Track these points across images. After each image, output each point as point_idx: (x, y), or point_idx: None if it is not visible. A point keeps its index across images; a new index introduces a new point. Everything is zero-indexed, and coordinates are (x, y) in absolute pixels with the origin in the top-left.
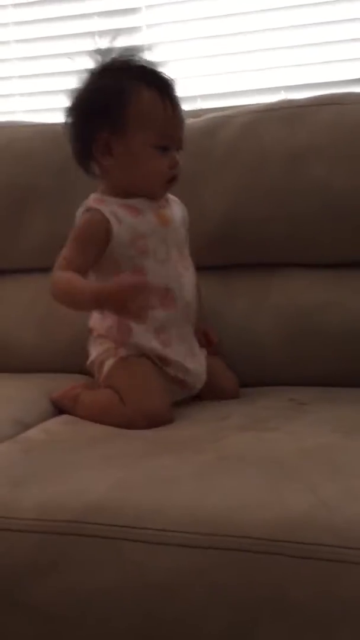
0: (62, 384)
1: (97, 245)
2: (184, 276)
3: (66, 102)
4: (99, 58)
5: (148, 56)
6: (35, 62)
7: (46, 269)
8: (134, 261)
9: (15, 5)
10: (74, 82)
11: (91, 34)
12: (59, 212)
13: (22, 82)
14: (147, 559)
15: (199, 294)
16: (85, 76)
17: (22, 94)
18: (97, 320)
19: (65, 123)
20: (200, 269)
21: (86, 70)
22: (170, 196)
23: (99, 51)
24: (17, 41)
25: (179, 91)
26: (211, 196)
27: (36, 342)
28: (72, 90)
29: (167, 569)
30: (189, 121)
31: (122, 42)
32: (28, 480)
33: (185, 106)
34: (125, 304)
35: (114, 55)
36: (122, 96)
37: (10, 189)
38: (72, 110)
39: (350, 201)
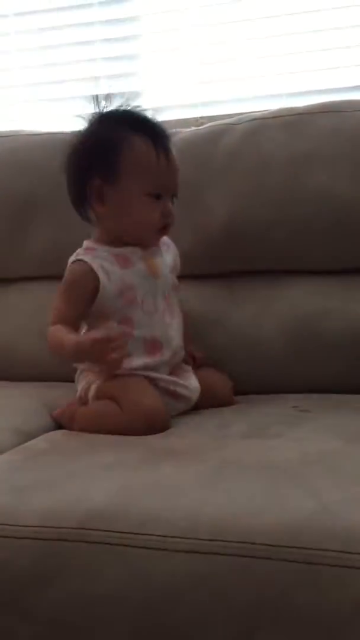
0: (65, 394)
1: (85, 297)
2: (171, 326)
3: (69, 110)
4: (98, 105)
5: (145, 105)
6: (36, 71)
7: (49, 278)
8: (122, 312)
9: (17, 14)
10: (77, 89)
11: (92, 42)
12: (62, 221)
13: (24, 91)
14: (149, 565)
15: (184, 321)
16: (83, 125)
17: (24, 102)
18: None
19: (64, 164)
20: (204, 276)
21: (84, 118)
22: (165, 239)
23: (98, 97)
24: (19, 50)
25: (177, 100)
26: (213, 203)
27: (39, 351)
28: (70, 140)
29: (170, 575)
30: (191, 129)
31: (125, 96)
32: (30, 488)
33: (187, 113)
34: (100, 357)
35: (111, 102)
36: (116, 145)
37: (12, 198)
38: (69, 157)
39: (352, 207)
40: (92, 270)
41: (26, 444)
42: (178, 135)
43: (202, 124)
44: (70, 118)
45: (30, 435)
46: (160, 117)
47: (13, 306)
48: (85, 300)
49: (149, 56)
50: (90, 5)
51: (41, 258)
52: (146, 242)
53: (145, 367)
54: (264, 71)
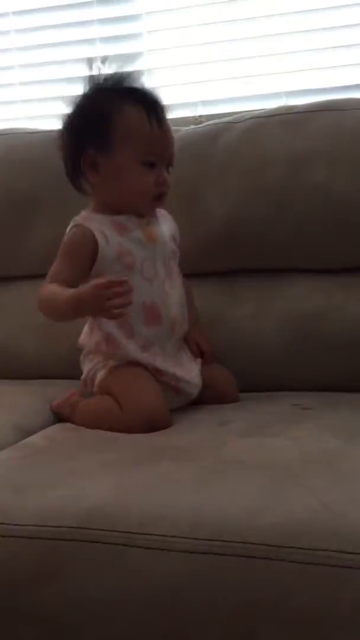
0: (63, 391)
1: (83, 259)
2: (170, 294)
3: (66, 110)
4: (94, 69)
5: (141, 79)
6: (36, 69)
7: None
8: (120, 277)
9: (16, 12)
10: (75, 90)
11: (92, 40)
12: (61, 219)
13: (23, 89)
14: (148, 564)
15: (191, 301)
16: (76, 98)
17: (23, 101)
18: (86, 337)
19: (58, 138)
20: (203, 274)
21: (81, 83)
22: (162, 211)
23: (94, 62)
24: (19, 48)
25: (177, 98)
26: (213, 202)
27: (38, 349)
28: (65, 106)
29: (169, 575)
30: (190, 128)
31: (121, 60)
32: (29, 486)
33: (187, 112)
34: (101, 304)
35: (106, 76)
36: (108, 113)
37: (11, 196)
38: (63, 130)
39: (351, 206)
40: (90, 232)
41: (25, 441)
42: (177, 134)
43: (201, 122)
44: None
45: (30, 433)
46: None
47: (13, 304)
48: (83, 263)
49: (149, 55)
50: (89, 3)
51: (41, 256)
52: (141, 210)
53: (146, 343)
54: (263, 70)
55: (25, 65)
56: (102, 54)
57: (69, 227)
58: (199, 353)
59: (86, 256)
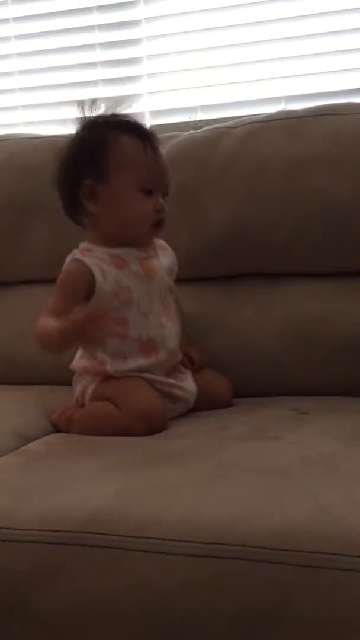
0: (64, 397)
1: (79, 294)
2: (167, 328)
3: (69, 114)
4: (85, 110)
5: (134, 117)
6: (36, 75)
7: (49, 281)
8: (117, 312)
9: (16, 18)
10: (77, 95)
11: (92, 46)
12: (61, 225)
13: (24, 95)
14: (147, 568)
15: (181, 321)
16: (70, 137)
17: (23, 107)
18: (76, 361)
19: (54, 177)
20: (203, 279)
21: (74, 124)
22: (160, 242)
23: (85, 102)
24: (19, 54)
25: (176, 103)
26: (212, 206)
27: (37, 355)
28: (59, 148)
29: (168, 578)
30: (189, 133)
31: (112, 102)
32: (29, 491)
33: (186, 117)
34: (84, 332)
35: (97, 107)
36: (104, 143)
37: (12, 202)
38: (59, 165)
39: (351, 210)
40: (88, 269)
41: (25, 447)
42: (177, 139)
43: (200, 127)
44: (69, 122)
45: (30, 439)
46: (156, 121)
47: (13, 309)
48: (79, 297)
49: (149, 60)
50: (89, 9)
51: (41, 261)
52: (141, 239)
53: (140, 369)
54: (262, 75)
55: (25, 71)
56: (92, 97)
57: (67, 259)
58: (189, 362)
59: (82, 291)
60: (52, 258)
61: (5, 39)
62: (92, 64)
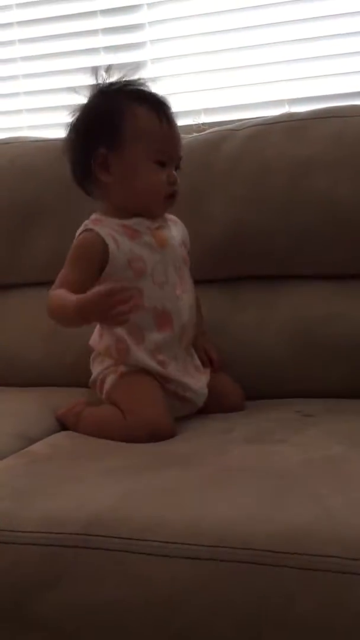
0: (67, 399)
1: (93, 265)
2: (182, 299)
3: (71, 116)
4: (98, 78)
5: (147, 84)
6: (40, 79)
7: (51, 284)
8: (132, 283)
9: (20, 22)
10: (79, 99)
11: (96, 50)
12: (64, 227)
13: (28, 99)
14: (150, 571)
15: (198, 309)
16: (82, 103)
17: (28, 110)
18: (96, 340)
19: (64, 144)
20: (206, 281)
21: (86, 91)
22: (171, 216)
23: (98, 70)
24: (23, 58)
25: (180, 106)
26: (215, 209)
27: (41, 356)
28: (70, 113)
29: (171, 581)
30: (192, 135)
31: (124, 68)
32: (32, 493)
33: (189, 120)
34: (105, 312)
35: (112, 76)
36: (119, 112)
37: (15, 205)
38: (71, 131)
39: (354, 213)
40: (101, 238)
41: (29, 448)
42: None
43: (204, 130)
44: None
45: (34, 440)
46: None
47: (16, 312)
48: (93, 268)
49: (152, 64)
50: (93, 13)
51: (44, 264)
52: (153, 211)
53: (156, 347)
54: (265, 77)
55: (29, 75)
56: (106, 63)
57: (79, 230)
58: (208, 361)
59: (96, 261)
60: (55, 260)
61: (10, 42)
62: (97, 67)
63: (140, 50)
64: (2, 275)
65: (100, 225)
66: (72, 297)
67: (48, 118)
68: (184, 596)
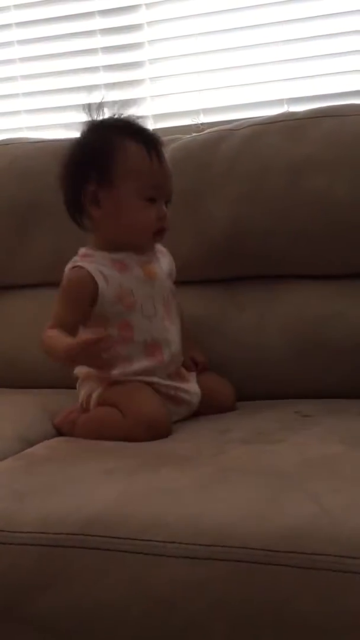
0: (66, 400)
1: (84, 303)
2: (170, 330)
3: (71, 118)
4: (91, 113)
5: (137, 114)
6: (39, 80)
7: (51, 285)
8: (121, 316)
9: (19, 23)
10: (79, 99)
11: (94, 50)
12: (63, 229)
13: (27, 100)
14: (148, 571)
15: (183, 325)
16: (75, 139)
17: (26, 111)
18: (82, 368)
19: (59, 178)
20: (205, 282)
21: (79, 127)
22: (160, 247)
23: (91, 106)
24: (21, 59)
25: (179, 106)
26: (214, 209)
27: (39, 358)
28: (64, 149)
29: (169, 581)
30: (191, 135)
31: (117, 105)
32: (30, 494)
33: (188, 120)
34: (92, 357)
35: (103, 111)
36: (109, 148)
37: (14, 206)
38: (64, 167)
39: (352, 212)
40: (90, 275)
41: (27, 451)
42: (179, 142)
43: (202, 130)
44: (72, 126)
45: (32, 442)
46: (158, 124)
47: (15, 313)
48: (83, 306)
49: (151, 64)
50: (91, 14)
51: (43, 265)
52: (142, 246)
53: (145, 371)
54: (264, 77)
55: (28, 75)
56: (98, 100)
57: (68, 266)
58: (194, 365)
59: (86, 300)
60: (54, 262)
61: (8, 44)
62: (95, 68)
63: (139, 50)
64: (1, 276)
65: (89, 260)
66: (63, 342)
67: (47, 119)
68: (182, 596)
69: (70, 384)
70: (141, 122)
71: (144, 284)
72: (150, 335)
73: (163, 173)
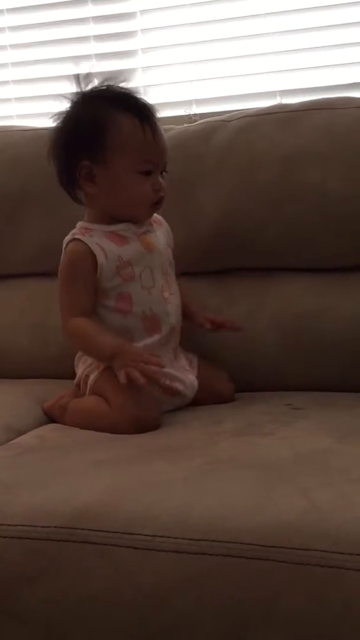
0: (54, 390)
1: (89, 277)
2: (170, 301)
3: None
4: (80, 84)
5: (129, 83)
6: (30, 67)
7: (41, 274)
8: (120, 288)
9: (10, 10)
10: (68, 88)
11: (87, 38)
12: (53, 218)
13: (17, 88)
14: (137, 565)
15: (189, 296)
16: (66, 105)
17: (17, 99)
18: None
19: (49, 150)
20: (196, 273)
21: (67, 97)
22: (157, 217)
23: (80, 77)
24: (12, 46)
25: (171, 97)
26: (206, 201)
27: (29, 348)
28: (53, 119)
29: (158, 575)
30: (183, 126)
31: (107, 76)
32: (17, 486)
33: (180, 111)
34: (130, 367)
35: (94, 81)
36: (101, 124)
37: (3, 195)
38: (55, 140)
39: (344, 205)
40: (89, 250)
41: (15, 440)
42: (171, 132)
43: (194, 121)
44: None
45: (21, 432)
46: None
47: (4, 302)
48: (90, 282)
49: (143, 53)
50: (84, 1)
51: (33, 254)
52: (139, 218)
53: (144, 349)
54: (257, 68)
55: (19, 63)
56: (87, 71)
57: (66, 239)
58: (208, 322)
59: (90, 273)
60: (44, 251)
61: None
62: (87, 56)
63: (132, 39)
64: None
65: (88, 234)
66: (106, 337)
67: (37, 107)
68: (171, 590)
69: (58, 375)
70: (133, 91)
71: (142, 256)
72: (148, 307)
73: (158, 145)
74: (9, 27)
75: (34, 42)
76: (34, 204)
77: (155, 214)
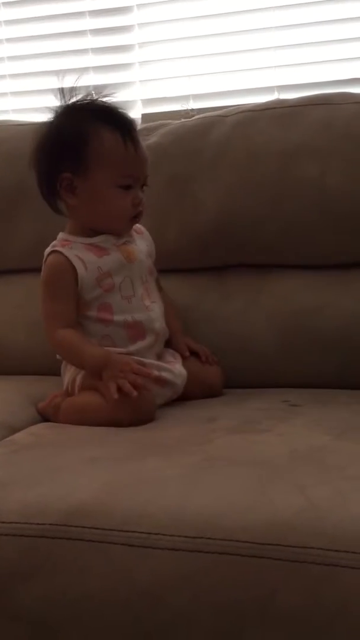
0: (50, 387)
1: (70, 290)
2: (151, 309)
3: (54, 103)
4: (64, 96)
5: (112, 97)
6: (27, 62)
7: (36, 270)
8: (101, 299)
9: (5, 3)
10: (67, 81)
11: (83, 32)
12: (49, 213)
13: (13, 82)
14: (132, 562)
15: (174, 313)
16: (49, 119)
17: (13, 93)
18: None
19: (31, 160)
20: (193, 270)
21: (51, 109)
22: (139, 227)
23: (64, 90)
24: (8, 40)
25: (169, 92)
26: (203, 196)
27: (25, 344)
28: (37, 131)
29: (153, 573)
30: (181, 121)
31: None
32: (12, 483)
33: (178, 106)
34: (120, 378)
35: (76, 94)
36: (83, 137)
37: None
38: (37, 152)
39: (343, 201)
40: (68, 261)
41: (10, 438)
42: (168, 127)
43: (192, 116)
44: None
45: (16, 429)
46: (147, 109)
47: (1, 298)
48: (72, 292)
49: (141, 48)
50: None
51: (28, 250)
52: (118, 231)
53: (129, 354)
54: (255, 64)
55: (15, 57)
56: (70, 85)
57: (47, 251)
58: (194, 354)
59: (71, 285)
60: (39, 246)
61: None
62: (84, 51)
63: (128, 33)
64: None
65: (68, 246)
66: (92, 351)
67: (33, 101)
68: (166, 588)
69: (54, 371)
70: (114, 105)
71: (122, 266)
72: (130, 315)
73: (139, 160)
74: (4, 21)
75: (30, 36)
76: (31, 198)
77: (136, 225)
